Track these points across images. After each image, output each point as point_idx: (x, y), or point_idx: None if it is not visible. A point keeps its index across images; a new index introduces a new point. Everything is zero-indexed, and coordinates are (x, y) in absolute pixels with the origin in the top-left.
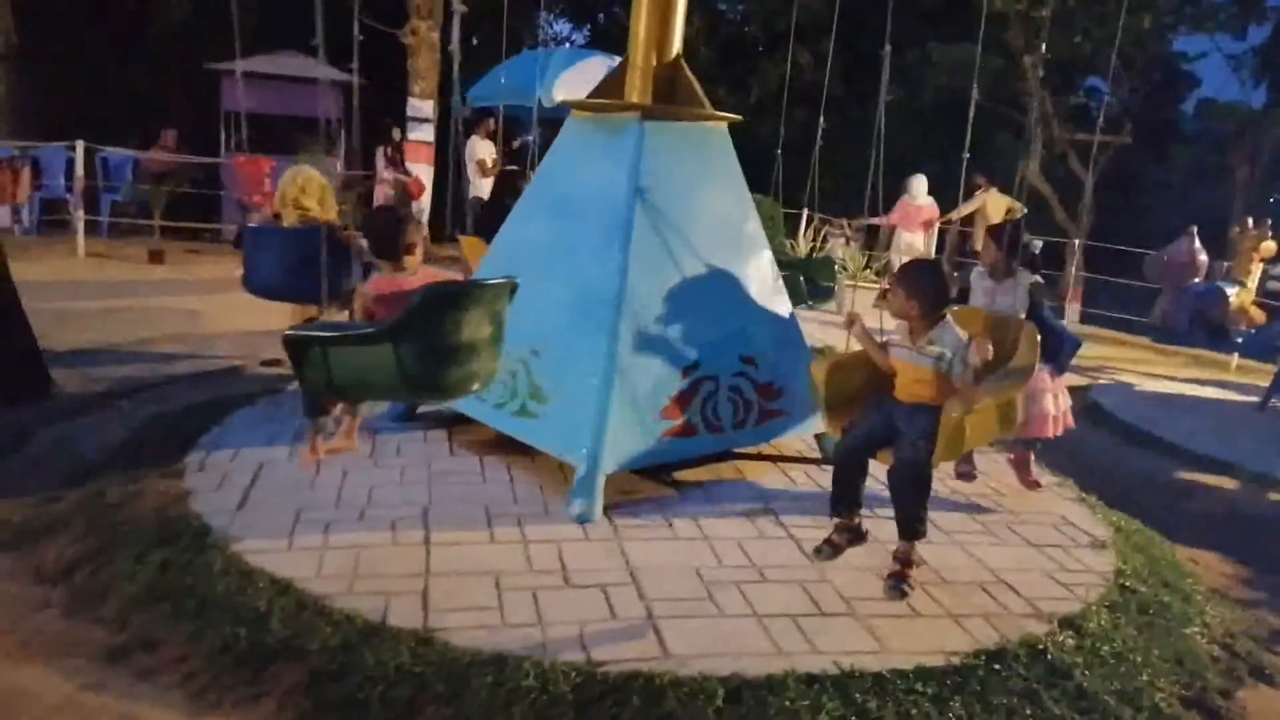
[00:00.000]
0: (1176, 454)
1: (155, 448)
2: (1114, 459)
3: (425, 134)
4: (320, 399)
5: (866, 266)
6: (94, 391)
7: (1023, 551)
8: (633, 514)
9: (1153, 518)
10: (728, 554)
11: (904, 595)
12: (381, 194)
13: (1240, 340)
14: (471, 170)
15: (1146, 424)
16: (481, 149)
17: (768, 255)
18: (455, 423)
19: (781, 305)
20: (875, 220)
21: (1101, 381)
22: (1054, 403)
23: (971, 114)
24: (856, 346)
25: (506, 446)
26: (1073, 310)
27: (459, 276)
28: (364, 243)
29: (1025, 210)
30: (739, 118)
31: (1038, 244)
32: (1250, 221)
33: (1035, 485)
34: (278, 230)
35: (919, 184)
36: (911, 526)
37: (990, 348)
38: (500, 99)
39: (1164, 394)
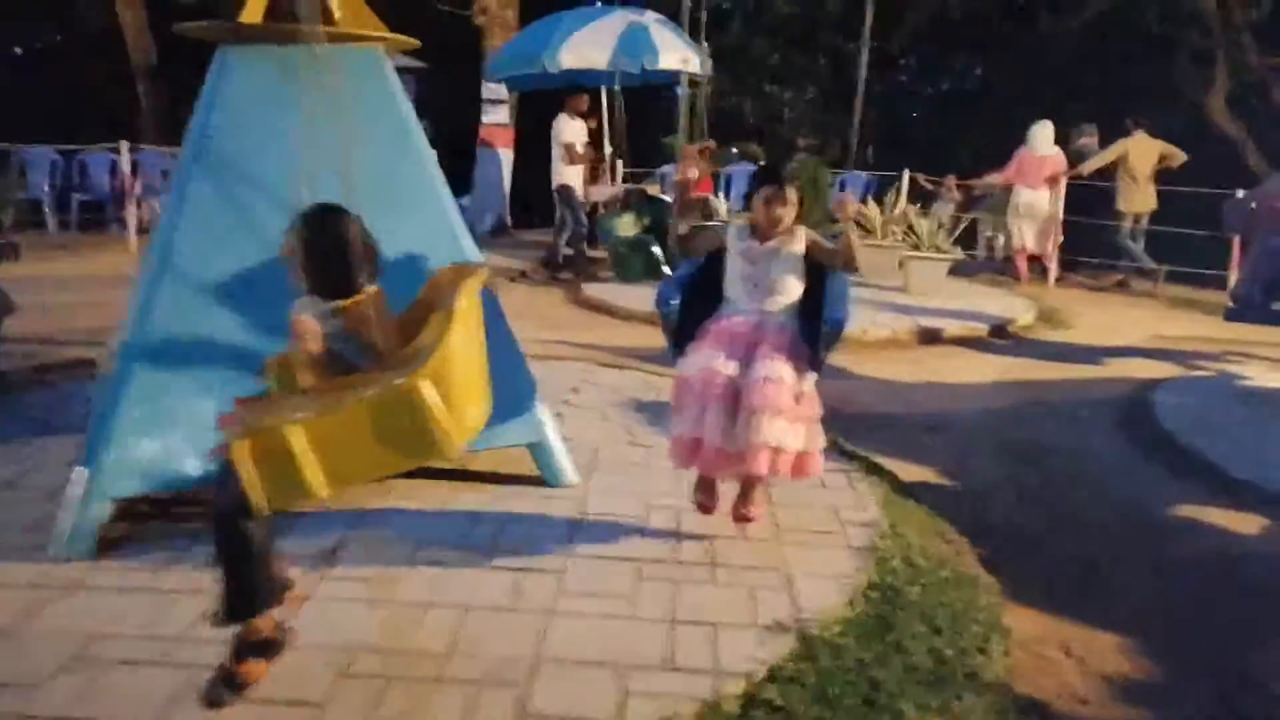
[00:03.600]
0: (1208, 478)
1: None
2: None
3: (501, 116)
4: None
5: (954, 236)
6: None
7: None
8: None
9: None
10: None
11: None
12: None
13: None
14: (557, 154)
15: (1205, 435)
16: (570, 131)
17: (439, 214)
18: None
19: None
20: (991, 178)
21: (1200, 372)
22: (769, 424)
23: None
24: None
25: None
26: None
27: None
28: None
29: (1185, 157)
30: (399, 38)
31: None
32: None
33: (744, 520)
34: None
35: (1042, 132)
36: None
37: None
38: (513, 68)
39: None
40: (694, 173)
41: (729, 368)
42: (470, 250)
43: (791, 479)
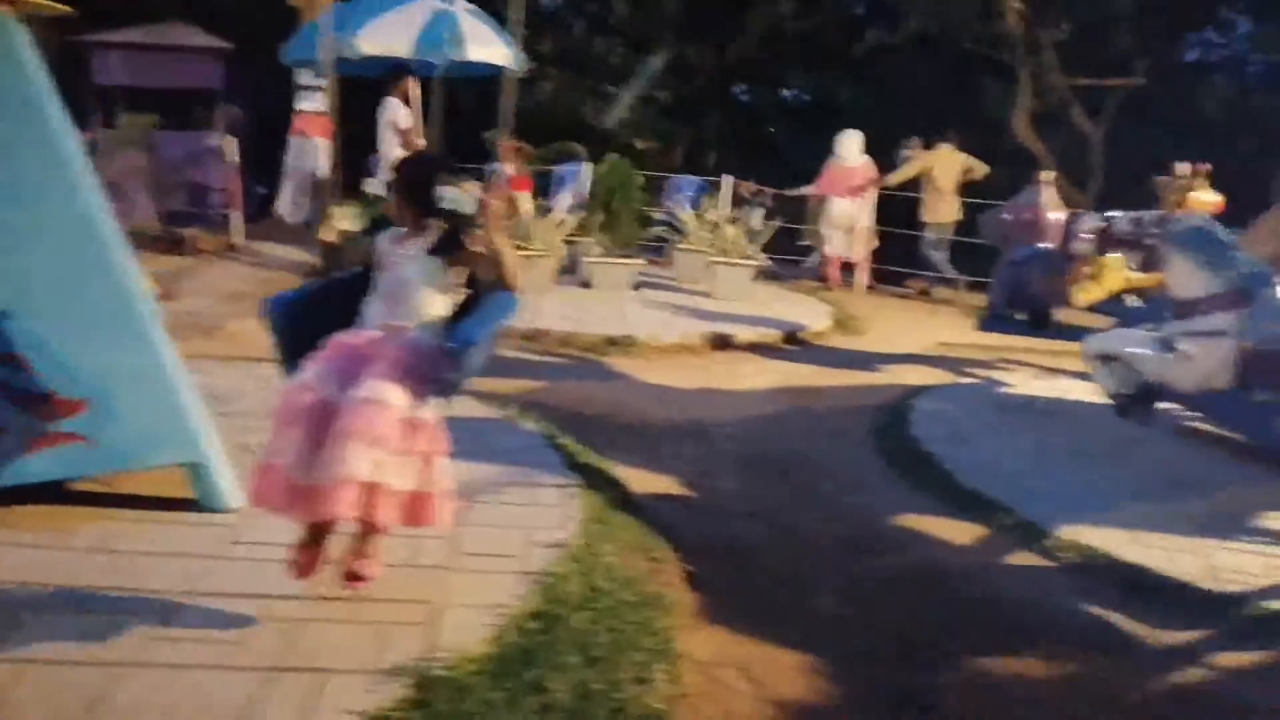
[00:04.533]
0: (942, 488)
1: None
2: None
3: (317, 103)
4: None
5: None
6: None
7: None
8: None
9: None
10: None
11: None
12: None
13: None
14: (388, 141)
15: (949, 444)
16: (403, 115)
17: (75, 206)
18: None
19: (102, 279)
20: (806, 190)
21: (968, 380)
22: (359, 453)
23: None
24: None
25: None
26: None
27: None
28: None
29: (987, 170)
30: (41, 2)
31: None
32: (1185, 166)
33: (356, 579)
34: None
35: (849, 142)
36: None
37: None
38: (308, 53)
39: (1037, 397)
40: (510, 169)
41: (324, 385)
42: (111, 239)
43: (404, 526)
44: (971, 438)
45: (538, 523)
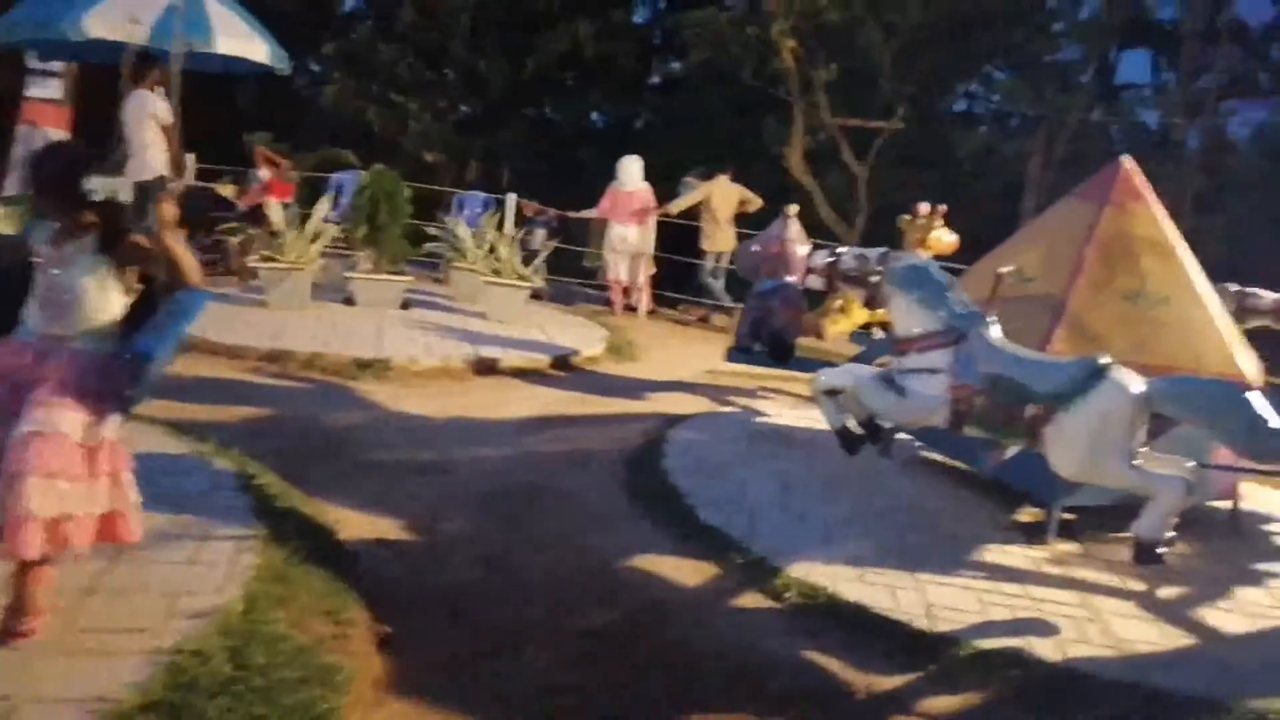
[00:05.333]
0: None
1: None
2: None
3: (51, 90)
4: None
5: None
6: None
7: None
8: None
9: None
10: None
11: None
12: None
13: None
14: (146, 138)
15: (697, 477)
16: (164, 109)
17: None
18: None
19: None
20: (587, 213)
21: (728, 408)
22: (39, 491)
23: None
24: None
25: None
26: None
27: None
28: None
29: (760, 203)
30: None
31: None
32: (925, 207)
33: (15, 635)
34: None
35: (630, 167)
36: None
37: None
38: (24, 33)
39: (794, 428)
40: (265, 174)
41: None
42: None
43: (99, 543)
44: (720, 470)
45: (191, 586)
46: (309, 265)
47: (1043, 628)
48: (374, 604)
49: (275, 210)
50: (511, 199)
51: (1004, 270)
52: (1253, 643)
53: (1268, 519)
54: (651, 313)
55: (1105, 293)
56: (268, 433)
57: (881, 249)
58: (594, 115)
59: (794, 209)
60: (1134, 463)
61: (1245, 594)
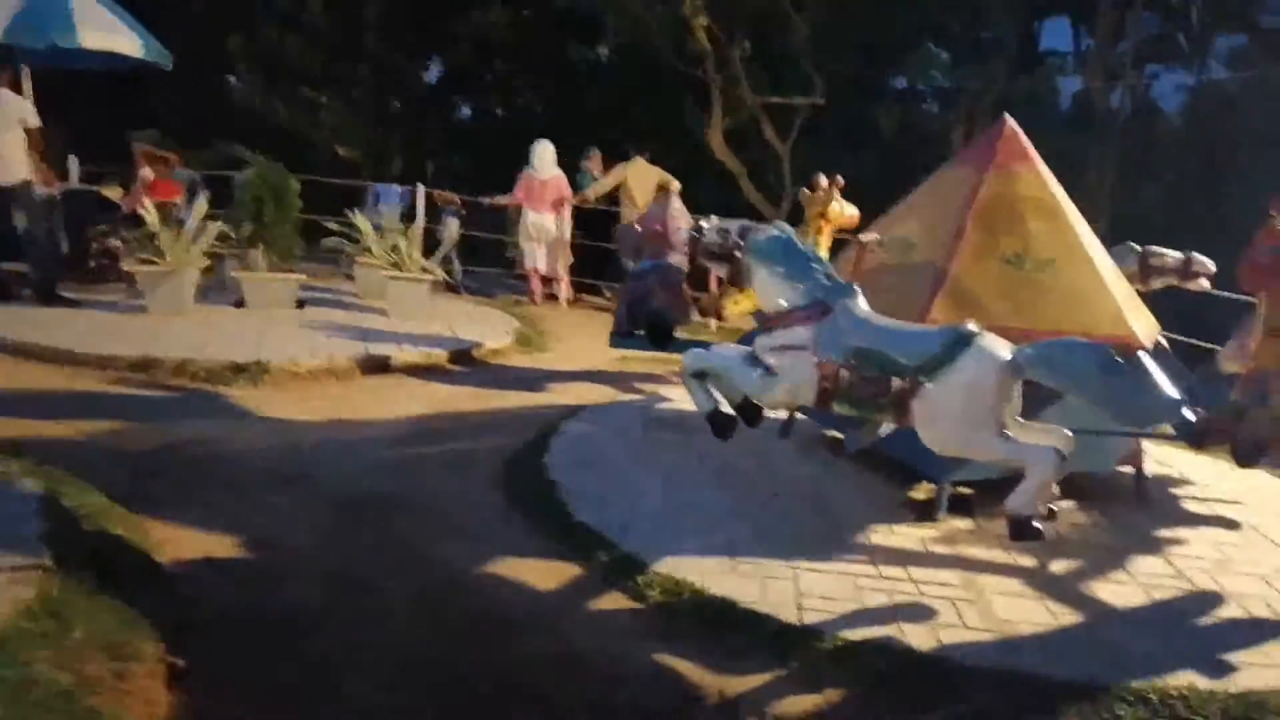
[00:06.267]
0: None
1: None
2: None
3: None
4: None
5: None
6: None
7: None
8: None
9: None
10: None
11: None
12: None
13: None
14: (13, 138)
15: (578, 471)
16: (29, 110)
17: None
18: None
19: None
20: (502, 199)
21: (632, 396)
22: None
23: None
24: None
25: None
26: None
27: None
28: None
29: (679, 185)
30: None
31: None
32: (823, 179)
33: None
34: None
35: (543, 153)
36: None
37: None
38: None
39: (693, 413)
40: (149, 174)
41: None
42: None
43: None
44: (606, 463)
45: None
46: (189, 267)
47: (918, 612)
48: (181, 634)
49: (150, 211)
50: (421, 190)
51: (866, 238)
52: (1145, 617)
53: (1177, 482)
54: (573, 301)
55: (988, 258)
56: (111, 447)
57: (742, 221)
58: (517, 101)
59: (676, 186)
60: (1004, 432)
61: (1142, 564)
